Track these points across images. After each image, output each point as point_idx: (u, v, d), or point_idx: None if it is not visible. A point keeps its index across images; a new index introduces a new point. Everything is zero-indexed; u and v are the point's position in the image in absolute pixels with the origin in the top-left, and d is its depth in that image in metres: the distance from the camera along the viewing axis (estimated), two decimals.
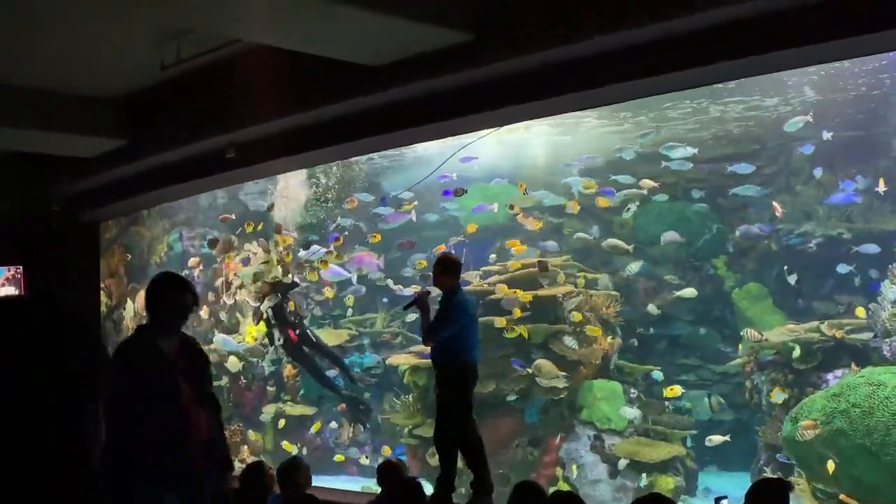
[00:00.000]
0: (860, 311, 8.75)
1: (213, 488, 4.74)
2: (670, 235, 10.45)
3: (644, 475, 9.10)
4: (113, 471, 4.29)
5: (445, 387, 7.04)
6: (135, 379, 4.45)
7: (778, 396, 8.76)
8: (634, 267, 10.49)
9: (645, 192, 10.22)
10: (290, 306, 11.33)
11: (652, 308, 10.48)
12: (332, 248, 11.45)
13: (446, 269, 7.16)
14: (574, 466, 9.36)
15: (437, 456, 7.36)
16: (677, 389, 9.55)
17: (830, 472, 7.65)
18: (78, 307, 1.44)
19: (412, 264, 11.21)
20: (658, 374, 9.93)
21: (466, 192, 10.74)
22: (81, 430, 1.37)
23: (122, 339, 5.04)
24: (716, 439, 9.23)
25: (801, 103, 9.73)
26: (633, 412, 9.47)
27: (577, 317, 9.86)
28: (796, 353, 8.92)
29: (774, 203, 9.86)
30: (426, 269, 10.47)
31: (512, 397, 9.78)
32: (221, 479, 4.84)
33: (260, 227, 11.98)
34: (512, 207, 10.63)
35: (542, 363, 9.68)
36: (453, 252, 8.92)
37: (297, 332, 11.23)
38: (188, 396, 4.62)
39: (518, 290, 10.04)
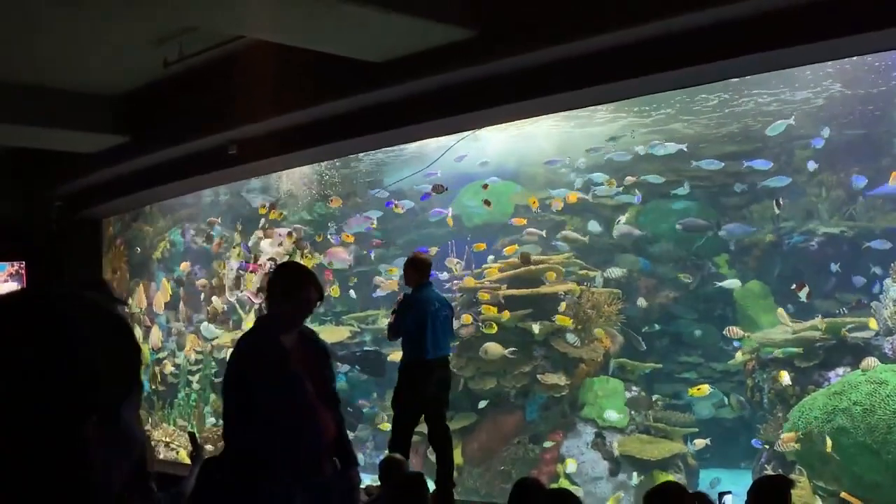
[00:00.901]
0: (873, 324, 8.65)
1: (341, 486, 4.52)
2: (624, 229, 10.54)
3: (635, 474, 9.12)
4: (240, 472, 4.14)
5: (399, 379, 7.39)
6: (256, 376, 4.24)
7: (786, 379, 8.72)
8: (617, 271, 10.51)
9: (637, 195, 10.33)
10: None
11: (641, 301, 10.46)
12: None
13: (412, 268, 7.49)
14: (574, 463, 9.36)
15: (435, 454, 7.54)
16: (705, 389, 9.51)
17: (829, 449, 7.63)
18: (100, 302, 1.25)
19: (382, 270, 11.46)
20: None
21: (447, 189, 10.80)
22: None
23: (242, 334, 4.70)
24: (699, 443, 9.31)
25: (802, 102, 9.72)
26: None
27: (563, 320, 9.85)
28: (796, 350, 8.93)
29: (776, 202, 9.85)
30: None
31: (513, 394, 9.83)
32: (347, 476, 4.58)
33: (282, 216, 12.01)
34: (488, 203, 10.73)
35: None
36: (454, 250, 9.06)
37: None
38: (311, 393, 4.37)
39: (502, 287, 10.25)
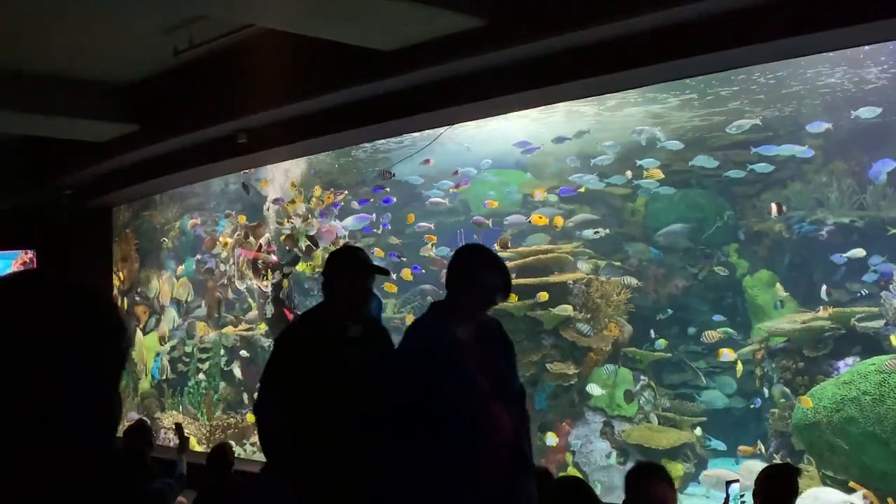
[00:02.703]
0: None
1: (519, 494, 3.98)
2: (581, 217, 10.51)
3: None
4: (416, 472, 3.72)
5: None
6: (427, 369, 3.79)
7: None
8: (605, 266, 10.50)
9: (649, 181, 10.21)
10: (285, 285, 11.35)
11: (629, 280, 10.40)
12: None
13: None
14: (584, 452, 9.38)
15: None
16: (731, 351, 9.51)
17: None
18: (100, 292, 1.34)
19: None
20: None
21: (394, 175, 10.87)
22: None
23: (415, 320, 4.17)
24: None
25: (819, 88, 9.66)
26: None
27: (567, 309, 9.86)
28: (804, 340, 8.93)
29: (773, 205, 9.77)
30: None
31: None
32: (525, 480, 4.01)
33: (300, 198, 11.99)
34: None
35: None
36: (463, 239, 9.17)
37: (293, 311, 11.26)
38: (488, 390, 3.88)
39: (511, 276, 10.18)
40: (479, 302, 3.96)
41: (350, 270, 4.18)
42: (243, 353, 12.25)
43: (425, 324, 4.01)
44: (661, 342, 9.93)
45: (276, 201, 11.63)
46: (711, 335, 9.58)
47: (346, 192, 11.57)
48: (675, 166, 10.30)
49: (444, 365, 3.80)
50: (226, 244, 12.11)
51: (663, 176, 10.03)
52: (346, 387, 4.06)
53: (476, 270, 3.92)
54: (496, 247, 10.40)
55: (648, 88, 8.65)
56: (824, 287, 9.01)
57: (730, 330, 9.74)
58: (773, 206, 9.60)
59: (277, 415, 4.23)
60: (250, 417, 11.89)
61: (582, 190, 10.47)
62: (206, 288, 12.69)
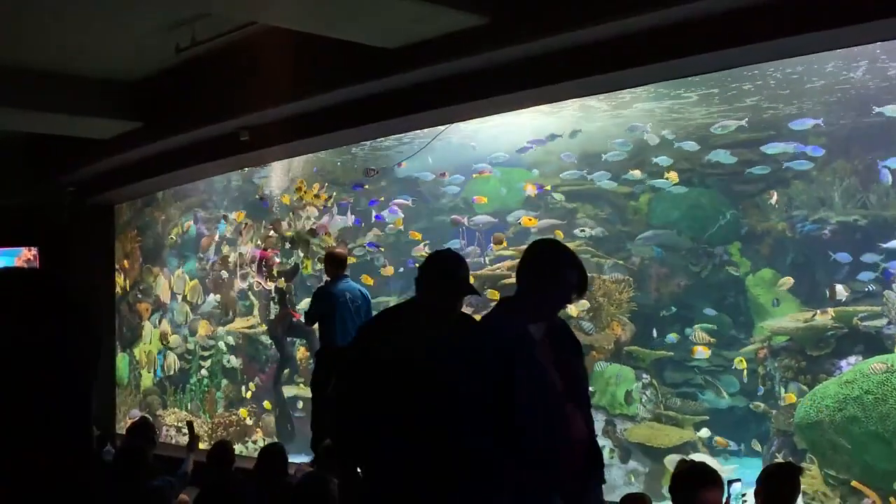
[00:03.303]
0: None
1: (595, 489, 4.00)
2: (547, 223, 10.49)
3: (648, 461, 9.14)
4: (499, 471, 3.59)
5: (315, 365, 8.36)
6: (506, 369, 3.58)
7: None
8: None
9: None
10: (282, 285, 11.38)
11: (610, 270, 10.39)
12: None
13: (328, 262, 8.58)
14: None
15: None
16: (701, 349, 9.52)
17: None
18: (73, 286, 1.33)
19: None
20: None
21: (378, 172, 10.96)
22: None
23: (484, 316, 4.00)
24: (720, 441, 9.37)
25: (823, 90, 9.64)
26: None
27: (570, 308, 9.83)
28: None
29: (773, 192, 9.75)
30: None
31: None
32: (598, 480, 4.03)
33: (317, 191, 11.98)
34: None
35: None
36: (464, 239, 9.24)
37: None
38: (561, 393, 3.75)
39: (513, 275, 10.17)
40: (557, 300, 3.79)
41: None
42: (244, 350, 12.26)
43: (498, 321, 3.84)
44: (673, 336, 9.90)
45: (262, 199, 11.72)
46: (701, 335, 9.59)
47: (334, 193, 11.58)
48: (678, 164, 10.27)
49: (524, 364, 3.62)
50: (242, 234, 12.09)
51: (677, 180, 10.02)
52: (429, 384, 3.91)
53: (555, 267, 3.70)
54: (492, 244, 10.42)
55: (663, 83, 8.61)
56: (839, 286, 8.95)
57: (708, 325, 9.72)
58: (774, 194, 9.61)
59: (351, 408, 4.15)
60: (244, 412, 11.95)
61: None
62: (219, 283, 12.62)
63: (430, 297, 4.14)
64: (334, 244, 10.69)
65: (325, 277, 8.81)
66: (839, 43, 6.42)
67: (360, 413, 4.11)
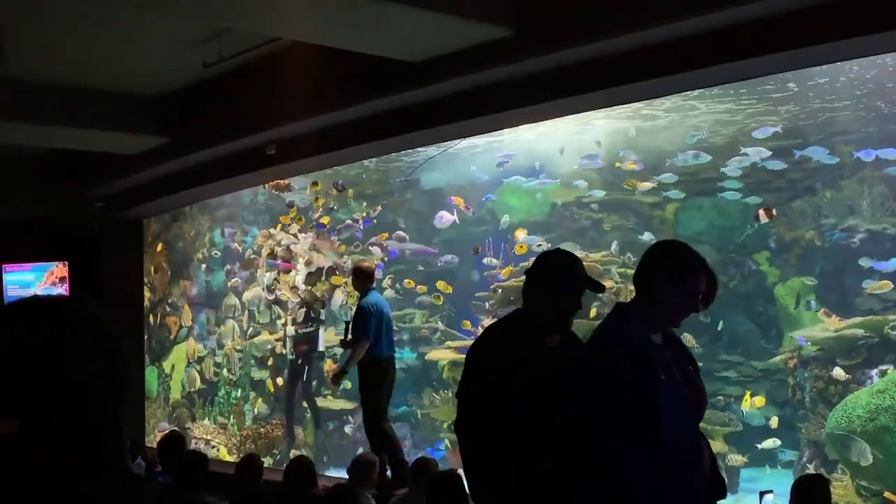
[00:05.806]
0: None
1: None
2: (533, 239, 10.49)
3: None
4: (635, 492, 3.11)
5: (361, 379, 8.20)
6: (634, 382, 3.15)
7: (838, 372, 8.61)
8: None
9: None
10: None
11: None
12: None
13: (357, 277, 8.44)
14: None
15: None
16: (760, 400, 9.42)
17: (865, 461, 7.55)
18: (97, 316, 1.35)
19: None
20: None
21: (344, 188, 11.32)
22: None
23: (601, 326, 3.44)
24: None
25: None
26: None
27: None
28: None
29: (761, 211, 9.63)
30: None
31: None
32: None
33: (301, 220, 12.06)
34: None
35: None
36: (481, 248, 10.08)
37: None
38: (690, 406, 3.34)
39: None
40: (683, 307, 3.31)
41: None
42: (273, 362, 12.30)
43: (619, 330, 3.34)
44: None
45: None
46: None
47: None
48: (703, 174, 10.23)
49: (652, 378, 3.17)
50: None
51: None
52: (551, 401, 3.45)
53: (683, 271, 3.27)
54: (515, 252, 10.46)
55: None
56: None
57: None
58: (762, 213, 9.49)
59: (486, 433, 3.66)
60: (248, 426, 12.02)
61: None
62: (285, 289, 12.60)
63: (552, 301, 3.67)
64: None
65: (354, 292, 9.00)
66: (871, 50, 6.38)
67: (498, 449, 3.64)
